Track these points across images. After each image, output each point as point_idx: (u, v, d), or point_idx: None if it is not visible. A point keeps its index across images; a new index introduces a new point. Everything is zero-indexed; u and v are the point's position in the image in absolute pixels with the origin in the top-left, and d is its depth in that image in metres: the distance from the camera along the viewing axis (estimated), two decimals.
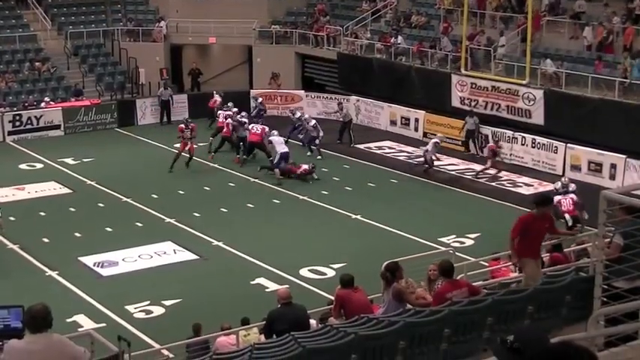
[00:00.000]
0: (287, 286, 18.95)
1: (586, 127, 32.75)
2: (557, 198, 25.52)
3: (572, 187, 27.57)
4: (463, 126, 36.43)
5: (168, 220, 28.67)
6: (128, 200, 30.64)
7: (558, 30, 37.83)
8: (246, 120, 35.84)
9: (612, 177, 31.30)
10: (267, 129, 34.62)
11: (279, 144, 33.22)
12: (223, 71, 48.90)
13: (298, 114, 38.54)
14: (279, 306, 13.67)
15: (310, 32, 45.11)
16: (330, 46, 44.14)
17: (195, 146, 34.22)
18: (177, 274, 24.55)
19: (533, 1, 35.64)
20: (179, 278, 24.18)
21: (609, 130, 31.91)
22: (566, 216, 25.50)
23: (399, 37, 41.53)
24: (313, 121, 36.86)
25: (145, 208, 29.82)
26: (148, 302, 22.44)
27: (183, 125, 34.08)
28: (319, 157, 35.53)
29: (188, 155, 33.87)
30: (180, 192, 31.58)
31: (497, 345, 4.59)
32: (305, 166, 33.06)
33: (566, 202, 25.99)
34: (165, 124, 41.31)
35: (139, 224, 28.45)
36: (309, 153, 36.09)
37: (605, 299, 9.59)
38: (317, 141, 36.12)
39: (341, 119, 38.36)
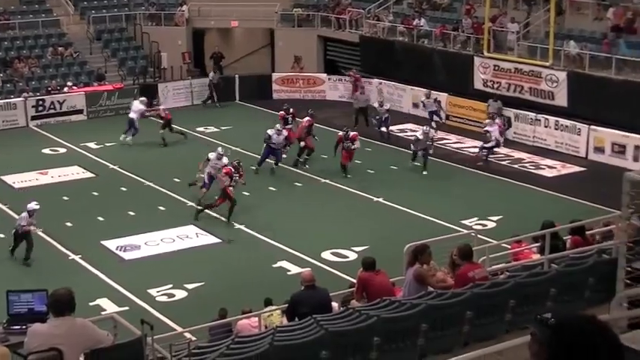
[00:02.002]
0: (309, 268, 18.96)
1: (610, 108, 32.55)
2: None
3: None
4: (487, 109, 36.27)
5: (190, 203, 28.71)
6: (150, 184, 30.70)
7: (582, 11, 37.58)
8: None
9: (636, 159, 31.08)
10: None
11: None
12: (245, 55, 48.85)
13: (388, 105, 36.99)
14: (302, 288, 13.67)
15: (332, 15, 44.98)
16: (353, 29, 44.00)
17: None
18: (200, 257, 24.62)
19: None
20: (201, 262, 24.25)
21: (633, 112, 31.69)
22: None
23: (422, 20, 41.37)
24: (425, 129, 32.62)
25: (168, 192, 29.89)
26: (171, 286, 22.53)
27: (231, 168, 27.64)
28: (425, 172, 31.75)
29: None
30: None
31: (534, 322, 4.53)
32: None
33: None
34: (210, 106, 42.30)
35: (162, 208, 28.53)
36: (417, 163, 32.36)
37: (628, 281, 9.54)
38: (431, 151, 32.26)
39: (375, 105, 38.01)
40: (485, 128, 33.55)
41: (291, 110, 34.68)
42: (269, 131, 31.77)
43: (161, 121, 36.06)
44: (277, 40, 46.27)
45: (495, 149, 33.40)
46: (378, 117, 36.73)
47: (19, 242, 24.30)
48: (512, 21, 37.87)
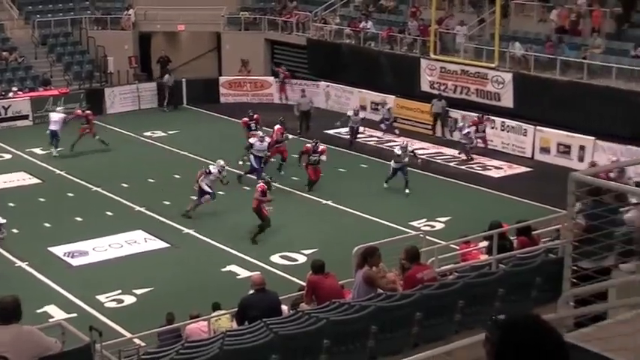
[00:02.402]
0: (259, 272, 18.93)
1: (555, 109, 32.88)
2: None
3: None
4: (430, 109, 36.59)
5: (138, 208, 28.57)
6: (98, 189, 30.48)
7: (527, 13, 37.93)
8: None
9: (581, 159, 31.47)
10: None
11: None
12: (192, 59, 48.66)
13: (362, 115, 36.55)
14: (251, 292, 13.65)
15: (279, 18, 45.01)
16: (300, 32, 44.04)
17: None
18: (148, 262, 24.49)
19: None
20: (150, 267, 24.11)
21: (578, 113, 32.03)
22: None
23: (369, 22, 41.49)
24: (402, 143, 31.46)
25: (115, 197, 29.68)
26: (119, 291, 22.37)
27: (265, 184, 26.84)
28: (407, 191, 29.93)
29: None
30: (150, 180, 31.45)
31: (489, 323, 4.64)
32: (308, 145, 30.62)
33: None
34: (172, 110, 42.27)
35: (109, 213, 28.31)
36: (385, 185, 30.43)
37: (574, 280, 9.62)
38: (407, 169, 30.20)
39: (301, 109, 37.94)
40: (465, 132, 33.69)
41: (255, 116, 34.27)
42: (251, 140, 31.11)
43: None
44: (224, 44, 46.16)
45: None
46: (350, 125, 36.02)
47: None
48: (460, 24, 38.11)
